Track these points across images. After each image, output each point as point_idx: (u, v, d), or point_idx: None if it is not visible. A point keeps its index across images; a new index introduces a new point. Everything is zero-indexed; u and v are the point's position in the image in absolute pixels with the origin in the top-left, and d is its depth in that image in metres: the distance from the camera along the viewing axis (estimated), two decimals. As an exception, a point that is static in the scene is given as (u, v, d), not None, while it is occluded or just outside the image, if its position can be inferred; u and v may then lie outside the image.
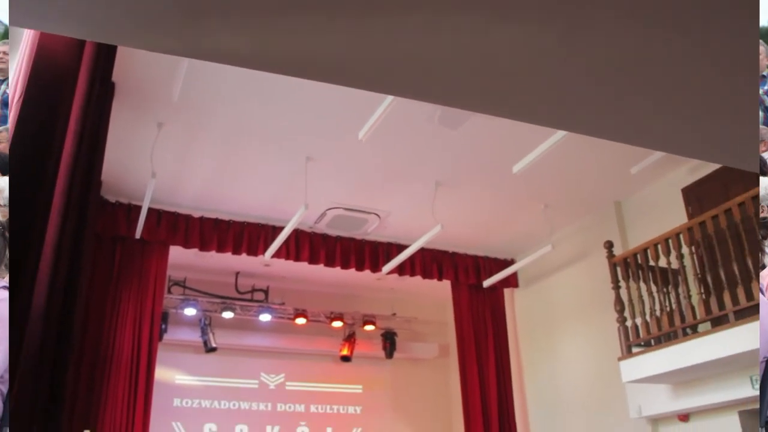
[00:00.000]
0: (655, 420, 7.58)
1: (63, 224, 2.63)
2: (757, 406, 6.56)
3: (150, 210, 7.71)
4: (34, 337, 2.32)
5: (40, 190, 2.25)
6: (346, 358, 11.05)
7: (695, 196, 7.46)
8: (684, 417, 7.31)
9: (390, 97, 5.69)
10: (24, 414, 2.41)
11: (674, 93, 1.89)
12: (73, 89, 3.12)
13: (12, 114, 2.23)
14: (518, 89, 1.91)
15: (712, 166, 7.25)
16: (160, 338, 8.88)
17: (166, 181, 7.58)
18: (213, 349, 10.01)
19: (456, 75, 1.82)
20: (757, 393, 6.15)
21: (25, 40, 2.87)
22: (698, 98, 1.91)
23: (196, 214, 8.36)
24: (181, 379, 10.37)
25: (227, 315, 10.04)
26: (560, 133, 6.20)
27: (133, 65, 5.77)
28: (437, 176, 7.72)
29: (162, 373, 9.51)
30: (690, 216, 7.29)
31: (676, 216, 7.36)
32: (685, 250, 6.62)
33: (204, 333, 10.00)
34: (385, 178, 7.76)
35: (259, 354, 10.88)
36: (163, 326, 9.42)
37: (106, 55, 4.48)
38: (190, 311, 9.81)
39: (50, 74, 2.71)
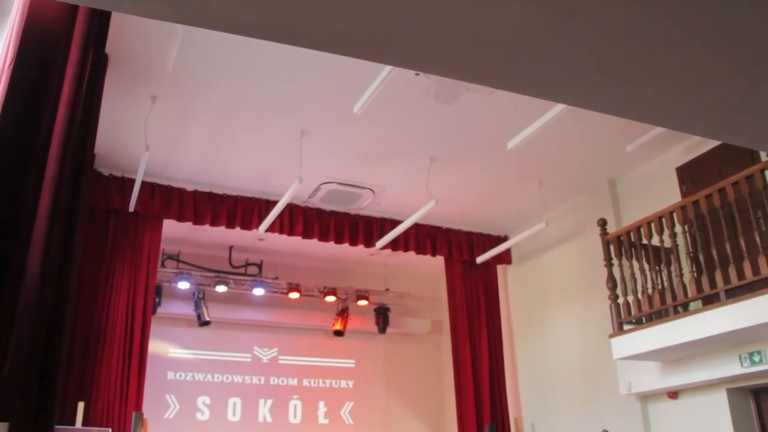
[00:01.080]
0: (645, 397, 7.65)
1: (56, 196, 2.61)
2: (745, 383, 6.64)
3: (144, 183, 7.69)
4: (28, 308, 2.31)
5: (31, 160, 2.23)
6: (339, 333, 11.09)
7: (690, 175, 7.47)
8: (673, 394, 7.37)
9: (385, 72, 5.66)
10: (18, 384, 2.42)
11: (675, 67, 1.88)
12: (65, 60, 3.08)
13: (3, 81, 2.20)
14: (519, 61, 1.89)
15: (707, 146, 7.25)
16: (154, 312, 8.88)
17: (160, 154, 7.54)
18: (206, 323, 10.03)
19: (456, 45, 1.81)
20: (746, 371, 6.23)
21: (16, 6, 2.82)
22: (699, 73, 1.90)
23: (190, 188, 8.33)
24: (175, 352, 10.41)
25: (221, 289, 10.06)
26: (556, 110, 6.19)
27: (127, 37, 5.71)
28: (432, 152, 7.71)
29: (156, 347, 9.54)
30: (684, 195, 7.31)
31: (670, 195, 7.37)
32: (678, 228, 6.65)
33: (197, 307, 10.02)
34: (379, 153, 7.74)
35: (253, 328, 10.91)
36: (157, 300, 9.43)
37: (98, 25, 4.43)
38: (183, 285, 9.81)
39: (41, 43, 2.68)
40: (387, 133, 7.30)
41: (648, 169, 8.07)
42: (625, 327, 6.98)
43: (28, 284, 2.23)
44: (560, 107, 6.11)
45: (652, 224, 6.82)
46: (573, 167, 8.16)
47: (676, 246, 6.63)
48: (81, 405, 7.19)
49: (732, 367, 6.41)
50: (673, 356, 6.87)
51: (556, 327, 9.17)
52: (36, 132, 2.22)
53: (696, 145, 7.41)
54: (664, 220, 6.72)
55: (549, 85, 2.04)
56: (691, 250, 6.55)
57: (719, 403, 6.86)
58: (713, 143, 7.15)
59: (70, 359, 7.22)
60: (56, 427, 5.50)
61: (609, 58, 1.84)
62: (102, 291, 7.72)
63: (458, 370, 9.64)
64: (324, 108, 6.81)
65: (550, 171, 8.22)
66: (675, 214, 6.61)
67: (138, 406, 7.51)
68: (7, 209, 2.00)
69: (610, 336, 7.06)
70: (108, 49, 5.53)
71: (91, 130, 4.28)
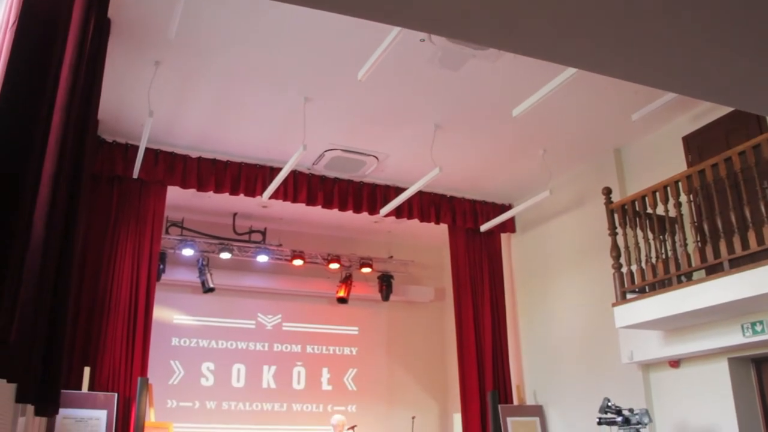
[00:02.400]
0: (646, 366, 7.70)
1: (60, 161, 2.60)
2: (747, 353, 6.67)
3: (147, 150, 7.67)
4: (33, 272, 2.32)
5: (35, 125, 2.22)
6: (342, 300, 11.14)
7: (696, 144, 7.42)
8: (675, 363, 7.41)
9: (390, 37, 5.60)
10: (24, 347, 2.43)
11: (688, 31, 1.84)
12: (67, 24, 3.05)
13: (6, 43, 2.18)
14: (530, 23, 1.86)
15: (715, 115, 7.20)
16: (158, 278, 8.93)
17: (163, 120, 7.52)
18: (211, 290, 10.08)
19: (465, 5, 1.77)
20: (748, 341, 6.25)
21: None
22: (713, 37, 1.87)
23: (194, 155, 8.31)
24: (179, 318, 10.48)
25: (225, 256, 10.09)
26: (561, 77, 6.13)
27: (129, 1, 5.65)
28: (436, 119, 7.66)
29: (160, 313, 9.60)
30: (690, 164, 7.27)
31: (676, 164, 7.33)
32: (683, 198, 6.62)
33: (202, 273, 10.06)
34: (384, 119, 7.70)
35: (257, 295, 10.97)
36: (161, 266, 9.47)
37: (101, -11, 4.38)
38: (187, 252, 9.85)
39: (44, 6, 2.65)
40: (391, 99, 7.25)
41: (654, 138, 8.02)
42: (628, 296, 7.00)
43: (33, 248, 2.24)
44: (566, 74, 6.06)
45: (657, 193, 6.79)
46: (578, 135, 8.11)
47: (681, 215, 6.62)
48: (87, 370, 7.27)
49: (734, 337, 6.43)
50: (675, 325, 6.89)
51: (559, 295, 9.20)
52: (39, 96, 2.20)
53: (703, 114, 7.35)
54: (669, 189, 6.69)
55: (560, 47, 2.00)
56: (695, 219, 6.53)
57: (720, 373, 6.90)
58: (720, 112, 7.10)
59: (76, 325, 7.27)
60: (63, 391, 5.57)
61: (619, 19, 1.81)
62: (106, 258, 7.75)
63: (461, 338, 9.69)
64: (328, 74, 6.75)
65: (555, 139, 8.18)
66: (680, 184, 6.58)
67: (143, 372, 7.59)
68: (10, 172, 1.99)
69: (613, 305, 7.08)
70: (110, 14, 5.48)
71: (94, 96, 4.25)
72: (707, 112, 7.29)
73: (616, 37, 1.91)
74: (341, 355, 11.45)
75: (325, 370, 11.26)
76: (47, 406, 4.10)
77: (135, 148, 7.67)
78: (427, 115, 7.59)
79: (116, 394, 7.31)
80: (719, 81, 2.12)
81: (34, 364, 2.68)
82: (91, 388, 7.25)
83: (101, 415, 7.14)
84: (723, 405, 6.79)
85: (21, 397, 3.29)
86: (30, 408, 4.88)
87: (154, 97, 6.76)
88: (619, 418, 6.89)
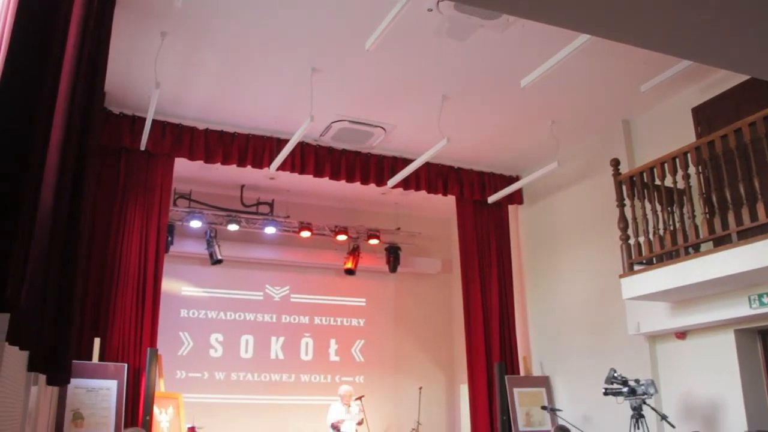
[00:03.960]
0: (653, 337, 7.72)
1: (67, 131, 2.60)
2: (753, 325, 6.67)
3: (154, 122, 7.66)
4: (42, 240, 2.33)
5: (41, 95, 2.21)
6: (350, 272, 11.18)
7: (705, 116, 7.35)
8: (681, 335, 7.43)
9: (398, 6, 5.55)
10: (35, 314, 2.45)
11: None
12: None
13: (9, 12, 2.16)
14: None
15: (725, 86, 7.13)
16: (167, 250, 8.97)
17: (170, 92, 7.50)
18: (219, 261, 10.12)
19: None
20: (755, 312, 6.25)
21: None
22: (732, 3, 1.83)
23: (201, 126, 8.30)
24: (188, 290, 10.55)
25: (232, 228, 10.11)
26: (570, 47, 6.07)
27: (135, -30, 5.62)
28: (444, 89, 7.61)
29: (169, 285, 9.66)
30: (699, 136, 7.21)
31: (685, 136, 7.27)
32: (692, 169, 6.58)
33: (210, 245, 10.09)
34: (391, 90, 7.66)
35: (264, 266, 11.02)
36: (169, 238, 9.50)
37: (106, -42, 4.34)
38: (195, 224, 9.87)
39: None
40: (399, 70, 7.20)
41: (663, 110, 7.96)
42: (636, 268, 6.99)
43: (41, 216, 2.25)
44: (576, 43, 6.00)
45: (666, 165, 6.76)
46: (586, 106, 8.06)
47: (689, 187, 6.58)
48: (97, 341, 7.35)
49: (741, 309, 6.43)
50: (682, 297, 6.89)
51: (567, 267, 9.20)
52: (44, 67, 2.20)
53: (713, 85, 7.28)
54: (677, 160, 6.65)
55: (571, 11, 1.97)
56: (704, 191, 6.50)
57: (726, 344, 6.91)
58: (731, 83, 7.03)
59: (85, 297, 7.33)
60: (74, 362, 5.63)
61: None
62: (114, 230, 7.78)
63: (468, 309, 9.73)
64: (335, 44, 6.71)
65: (563, 110, 8.13)
66: (689, 155, 6.54)
67: (152, 343, 7.66)
68: (18, 140, 1.99)
69: (620, 276, 7.08)
70: (116, -16, 5.44)
71: (101, 67, 4.23)
72: (718, 83, 7.22)
73: (628, 0, 1.88)
74: (349, 327, 11.52)
75: (332, 341, 11.34)
76: (59, 375, 4.15)
77: (142, 120, 7.66)
78: (434, 86, 7.55)
79: (126, 365, 7.39)
80: (736, 47, 2.08)
81: (45, 333, 2.70)
82: (101, 358, 7.33)
83: (112, 385, 7.23)
84: (729, 376, 6.82)
85: (33, 366, 3.32)
86: (42, 377, 4.95)
87: (161, 68, 6.74)
88: (625, 389, 6.93)
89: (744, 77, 6.79)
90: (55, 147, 2.35)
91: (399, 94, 7.74)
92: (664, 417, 6.88)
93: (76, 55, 2.86)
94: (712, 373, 7.02)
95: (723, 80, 7.13)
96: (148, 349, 7.52)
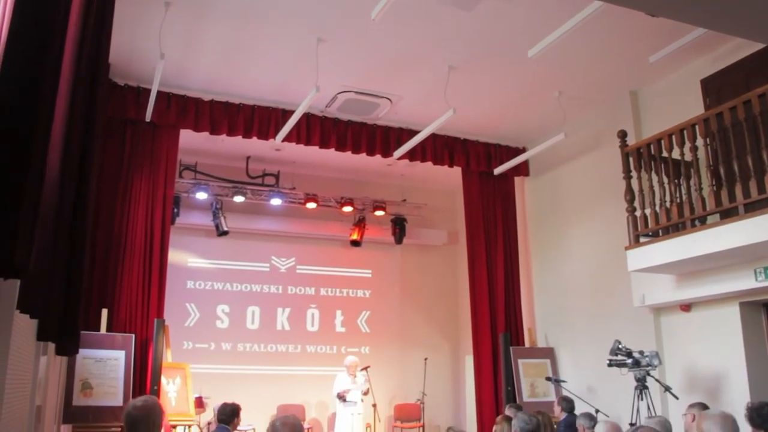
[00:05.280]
0: (658, 309, 7.73)
1: (72, 105, 2.60)
2: (758, 298, 6.67)
3: (159, 93, 7.63)
4: (49, 207, 2.33)
5: (45, 65, 2.20)
6: (356, 243, 11.21)
7: (714, 87, 7.28)
8: (686, 307, 7.44)
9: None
10: (44, 286, 2.47)
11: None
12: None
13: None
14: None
15: (735, 57, 7.05)
16: (173, 222, 8.99)
17: (174, 63, 7.46)
18: (225, 233, 10.16)
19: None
20: (760, 285, 6.25)
21: None
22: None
23: (206, 98, 8.27)
24: (194, 262, 10.60)
25: (238, 199, 10.13)
26: (579, 17, 6.01)
27: (138, -61, 5.56)
28: (450, 60, 7.55)
29: (175, 256, 9.70)
30: (707, 108, 7.14)
31: (693, 107, 7.21)
32: (699, 141, 6.53)
33: (216, 217, 10.12)
34: (397, 61, 7.60)
35: (270, 238, 11.05)
36: (175, 210, 9.52)
37: (109, -74, 4.29)
38: (201, 195, 9.89)
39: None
40: (405, 40, 7.14)
41: (671, 81, 7.89)
42: (642, 240, 6.98)
43: (48, 183, 2.25)
44: (584, 13, 5.93)
45: (673, 137, 6.71)
46: (594, 77, 7.99)
47: (697, 159, 6.54)
48: (105, 312, 7.40)
49: (746, 281, 6.43)
50: (688, 269, 6.89)
51: (572, 239, 9.20)
52: (48, 37, 2.18)
53: (723, 56, 7.21)
54: (685, 132, 6.60)
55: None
56: (711, 163, 6.46)
57: (731, 317, 6.93)
58: (741, 54, 6.95)
59: (93, 268, 7.37)
60: (82, 332, 5.67)
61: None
62: (121, 201, 7.80)
63: (474, 281, 9.75)
64: (341, 14, 6.64)
65: (571, 81, 8.06)
66: (697, 127, 6.48)
67: (159, 314, 7.72)
68: (22, 110, 1.99)
69: (626, 248, 7.07)
70: (119, -47, 5.38)
71: (105, 38, 4.20)
72: (728, 54, 7.14)
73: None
74: (354, 298, 11.58)
75: (338, 313, 11.41)
76: (68, 344, 4.18)
77: (147, 92, 7.64)
78: (440, 57, 7.49)
79: (134, 335, 7.45)
80: (753, 14, 2.04)
81: (54, 301, 2.72)
82: (109, 329, 7.39)
83: (120, 355, 7.29)
84: (732, 349, 6.84)
85: (42, 335, 3.35)
86: (51, 347, 4.99)
87: (165, 39, 6.70)
88: (629, 360, 6.96)
89: (755, 48, 6.72)
90: (61, 116, 2.34)
91: (405, 65, 7.68)
92: (667, 388, 6.91)
93: (80, 27, 2.84)
94: (716, 346, 7.04)
95: (733, 51, 7.05)
96: (155, 319, 7.58)
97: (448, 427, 11.49)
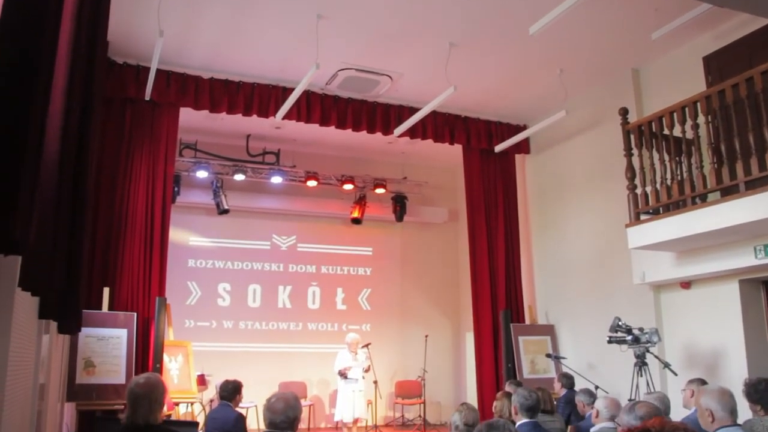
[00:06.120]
0: (658, 286, 7.75)
1: (70, 79, 2.58)
2: (758, 275, 6.69)
3: (159, 71, 7.59)
4: (49, 184, 2.33)
5: (40, 42, 2.19)
6: (356, 221, 11.23)
7: (717, 64, 7.24)
8: (686, 284, 7.46)
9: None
10: (45, 263, 2.47)
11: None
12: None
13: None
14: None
15: (738, 34, 7.00)
16: (173, 200, 8.99)
17: (174, 40, 7.41)
18: (225, 211, 10.17)
19: None
20: (760, 262, 6.26)
21: None
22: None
23: (206, 75, 8.22)
24: (195, 240, 10.62)
25: (239, 177, 10.12)
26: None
27: None
28: (451, 37, 7.50)
29: (176, 235, 9.72)
30: (710, 85, 7.10)
31: (695, 85, 7.17)
32: (701, 119, 6.50)
33: (216, 195, 10.12)
34: (397, 38, 7.54)
35: (271, 216, 11.07)
36: (176, 189, 9.52)
37: None
38: (201, 174, 9.88)
39: None
40: (405, 17, 7.09)
41: (673, 58, 7.84)
42: (642, 217, 6.98)
43: (47, 159, 2.25)
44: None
45: (675, 114, 6.68)
46: (595, 54, 7.95)
47: (698, 137, 6.52)
48: (106, 291, 7.43)
49: (746, 259, 6.44)
50: (688, 247, 6.90)
51: (573, 216, 9.20)
52: (44, 13, 2.17)
53: (726, 33, 7.15)
54: (687, 110, 6.57)
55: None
56: (713, 141, 6.44)
57: (731, 294, 6.95)
58: (745, 31, 6.90)
59: (94, 247, 7.38)
60: (84, 311, 5.69)
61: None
62: (121, 180, 7.79)
63: (474, 258, 9.77)
64: (341, -9, 6.60)
65: (572, 58, 8.02)
66: (699, 104, 6.45)
67: (161, 292, 7.74)
68: (20, 85, 1.98)
69: (627, 226, 7.07)
70: (117, -71, 5.34)
71: (103, 15, 4.17)
72: (731, 31, 7.09)
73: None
74: (355, 275, 11.61)
75: (339, 290, 11.45)
76: (70, 322, 4.20)
77: (146, 70, 7.60)
78: (441, 33, 7.44)
79: (135, 314, 7.49)
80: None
81: (55, 278, 2.72)
82: (110, 308, 7.42)
83: (122, 333, 7.33)
84: (732, 326, 6.87)
85: (44, 313, 3.36)
86: (53, 326, 5.01)
87: (164, 16, 6.64)
88: (629, 337, 6.99)
89: (757, 26, 6.67)
90: (59, 91, 2.33)
91: (406, 42, 7.64)
92: (666, 365, 6.95)
93: (77, 2, 2.82)
94: (715, 323, 7.07)
95: (736, 28, 7.00)
96: (157, 298, 7.60)
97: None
